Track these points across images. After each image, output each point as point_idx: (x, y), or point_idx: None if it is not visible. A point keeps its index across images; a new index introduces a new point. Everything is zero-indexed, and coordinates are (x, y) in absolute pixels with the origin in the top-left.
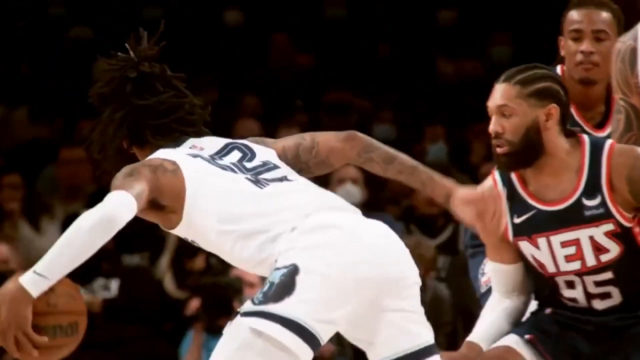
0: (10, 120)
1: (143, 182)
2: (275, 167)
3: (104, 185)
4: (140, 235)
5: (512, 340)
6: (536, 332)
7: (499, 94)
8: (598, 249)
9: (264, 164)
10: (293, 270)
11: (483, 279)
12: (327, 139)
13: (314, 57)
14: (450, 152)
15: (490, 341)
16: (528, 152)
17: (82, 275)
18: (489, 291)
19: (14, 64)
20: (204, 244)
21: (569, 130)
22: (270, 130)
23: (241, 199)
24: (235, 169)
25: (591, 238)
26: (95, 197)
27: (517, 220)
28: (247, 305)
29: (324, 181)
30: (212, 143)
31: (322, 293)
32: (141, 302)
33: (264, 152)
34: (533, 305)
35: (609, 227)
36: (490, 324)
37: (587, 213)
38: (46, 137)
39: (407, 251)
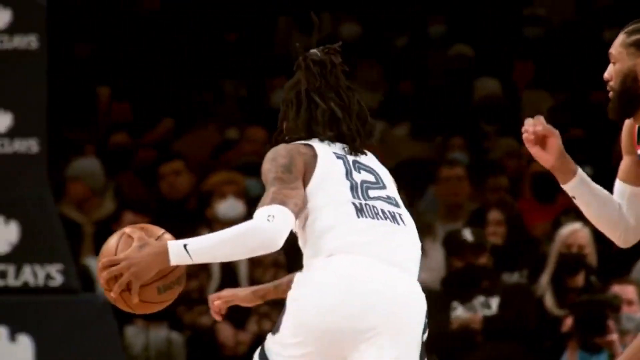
0: (391, 136)
1: (299, 179)
2: (397, 205)
3: (484, 203)
4: (520, 253)
5: None
6: None
7: (614, 42)
8: None
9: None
10: (285, 309)
11: None
12: None
13: None
14: None
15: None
16: (627, 100)
17: (462, 292)
18: None
19: (395, 81)
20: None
21: None
22: None
23: (336, 217)
24: (358, 189)
25: None
26: (475, 215)
27: None
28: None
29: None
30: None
31: (290, 333)
32: (521, 320)
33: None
34: None
35: None
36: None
37: None
38: (425, 155)
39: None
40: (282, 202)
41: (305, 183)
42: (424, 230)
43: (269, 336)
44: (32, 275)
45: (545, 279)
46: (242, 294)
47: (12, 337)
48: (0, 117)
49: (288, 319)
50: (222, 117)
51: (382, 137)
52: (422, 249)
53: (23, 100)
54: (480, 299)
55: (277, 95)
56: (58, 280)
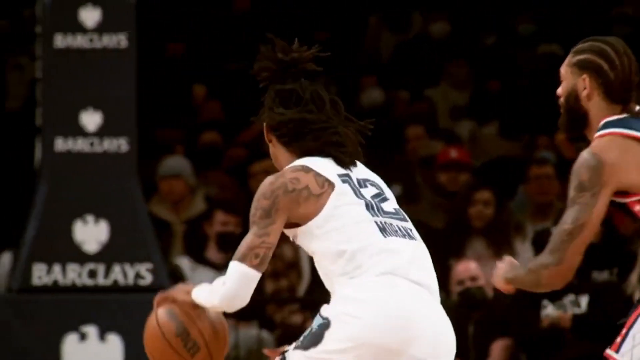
0: (480, 135)
1: (276, 222)
2: (405, 219)
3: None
4: (610, 251)
5: None
6: None
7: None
8: None
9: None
10: (326, 324)
11: None
12: None
13: None
14: None
15: None
16: (572, 118)
17: (552, 291)
18: None
19: (483, 80)
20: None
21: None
22: None
23: (358, 234)
24: (373, 207)
25: None
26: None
27: None
28: (291, 346)
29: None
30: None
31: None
32: (610, 318)
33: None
34: None
35: None
36: None
37: None
38: (515, 154)
39: (440, 336)
40: (243, 258)
41: (301, 216)
42: (514, 230)
43: (300, 352)
44: (122, 274)
45: (634, 277)
46: None
47: (102, 336)
48: (90, 116)
49: (338, 332)
50: None
51: (471, 136)
52: (513, 248)
53: (113, 99)
54: (570, 297)
55: (368, 94)
56: (148, 279)
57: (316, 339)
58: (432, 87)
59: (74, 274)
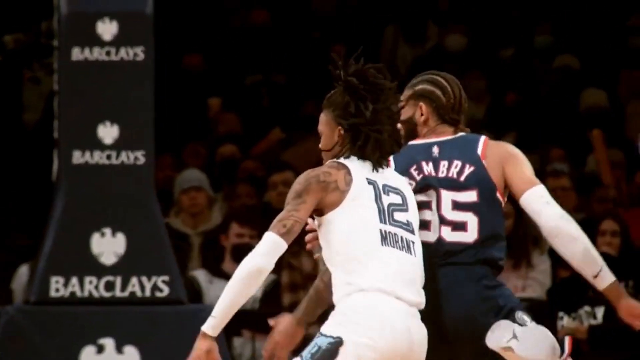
0: None
1: (306, 202)
2: (413, 232)
3: (590, 213)
4: (626, 263)
5: None
6: None
7: None
8: None
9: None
10: (339, 342)
11: None
12: None
13: None
14: None
15: None
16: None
17: (568, 302)
18: None
19: (500, 92)
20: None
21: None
22: None
23: (364, 244)
24: (385, 214)
25: None
26: (582, 226)
27: None
28: None
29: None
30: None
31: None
32: (626, 329)
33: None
34: None
35: None
36: None
37: None
38: (532, 166)
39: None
40: (272, 227)
41: (327, 204)
42: (532, 242)
43: None
44: (139, 286)
45: None
46: (292, 339)
47: (119, 349)
48: (107, 129)
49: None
50: None
51: None
52: (530, 260)
53: (130, 112)
54: (586, 308)
55: None
56: (165, 291)
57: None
58: None
59: (91, 286)
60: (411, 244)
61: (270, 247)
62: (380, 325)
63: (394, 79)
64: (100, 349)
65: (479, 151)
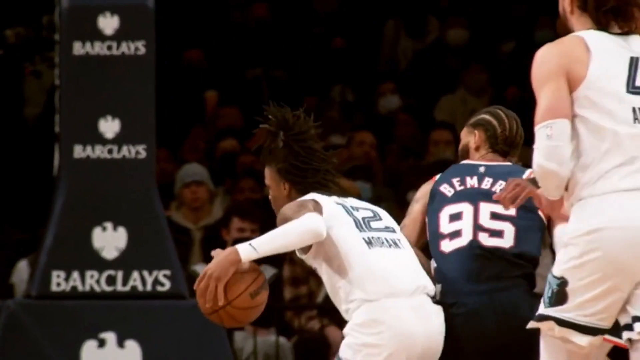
0: None
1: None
2: (394, 231)
3: None
4: None
5: None
6: None
7: None
8: None
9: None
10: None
11: None
12: None
13: None
14: None
15: None
16: None
17: None
18: None
19: (502, 86)
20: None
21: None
22: None
23: (352, 251)
24: (362, 224)
25: None
26: None
27: None
28: None
29: None
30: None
31: None
32: None
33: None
34: None
35: None
36: None
37: None
38: None
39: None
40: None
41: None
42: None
43: None
44: (140, 280)
45: None
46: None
47: (120, 343)
48: (108, 123)
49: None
50: (329, 122)
51: None
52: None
53: (131, 107)
54: None
55: (385, 100)
56: (166, 285)
57: None
58: (450, 93)
59: (92, 281)
60: (397, 240)
61: (322, 222)
62: (390, 338)
63: (395, 74)
64: (102, 343)
65: (524, 177)
